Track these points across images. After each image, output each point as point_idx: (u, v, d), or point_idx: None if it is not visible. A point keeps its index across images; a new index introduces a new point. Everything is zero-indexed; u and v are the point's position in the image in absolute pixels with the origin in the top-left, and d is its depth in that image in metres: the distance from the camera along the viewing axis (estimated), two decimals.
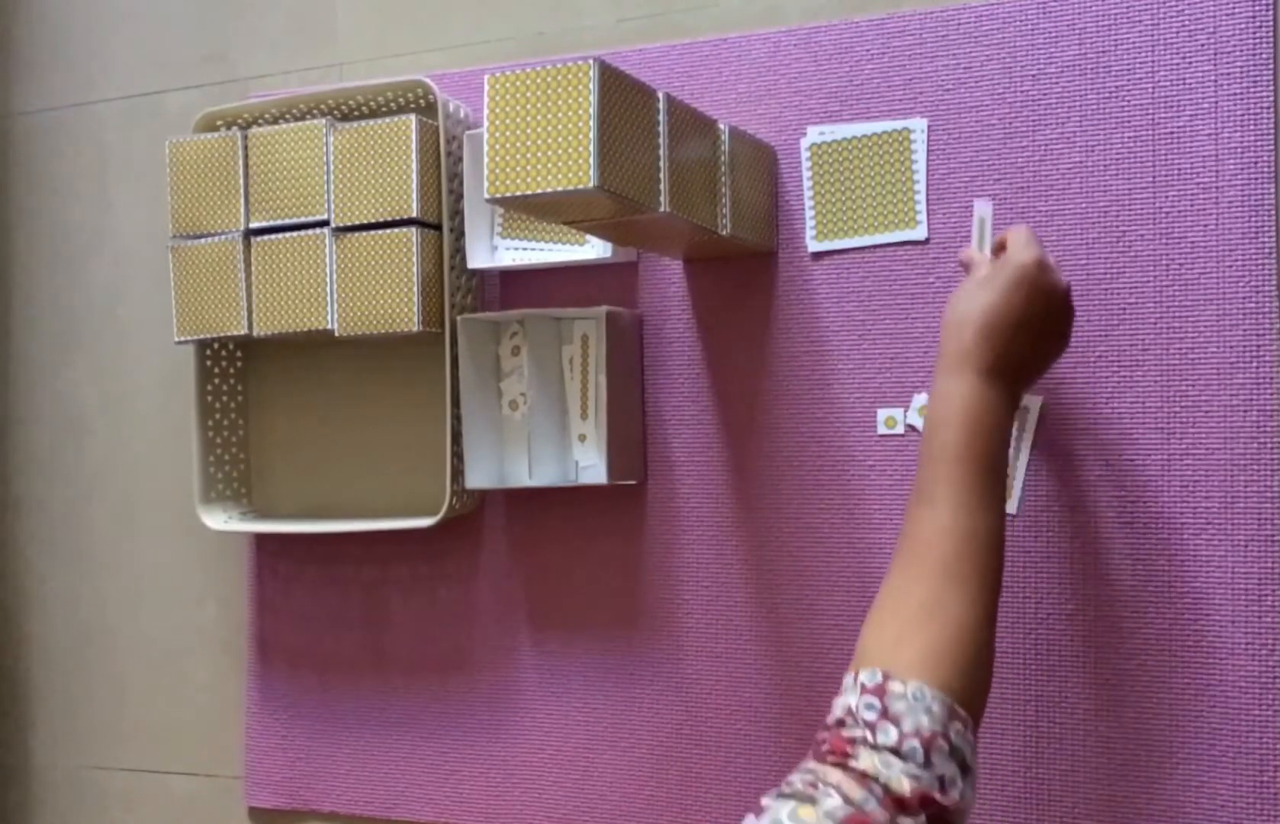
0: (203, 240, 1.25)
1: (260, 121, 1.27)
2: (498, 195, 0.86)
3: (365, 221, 1.18)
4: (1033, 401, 1.04)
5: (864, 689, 0.76)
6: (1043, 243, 0.94)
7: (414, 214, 1.16)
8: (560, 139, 0.84)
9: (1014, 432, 1.03)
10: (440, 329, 1.18)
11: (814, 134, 1.11)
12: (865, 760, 0.73)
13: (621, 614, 1.18)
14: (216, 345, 1.31)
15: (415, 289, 1.15)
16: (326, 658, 1.30)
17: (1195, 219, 0.99)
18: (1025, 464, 1.04)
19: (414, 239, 1.16)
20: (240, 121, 1.28)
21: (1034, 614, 1.04)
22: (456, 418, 1.17)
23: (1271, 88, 0.97)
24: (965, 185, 1.06)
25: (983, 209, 1.03)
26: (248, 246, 1.24)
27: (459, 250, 1.19)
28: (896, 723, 0.74)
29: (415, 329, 1.16)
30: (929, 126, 1.07)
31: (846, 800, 0.70)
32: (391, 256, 1.16)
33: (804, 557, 1.11)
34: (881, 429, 1.08)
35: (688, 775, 1.16)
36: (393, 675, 1.28)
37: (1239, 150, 0.98)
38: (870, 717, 0.75)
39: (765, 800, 0.72)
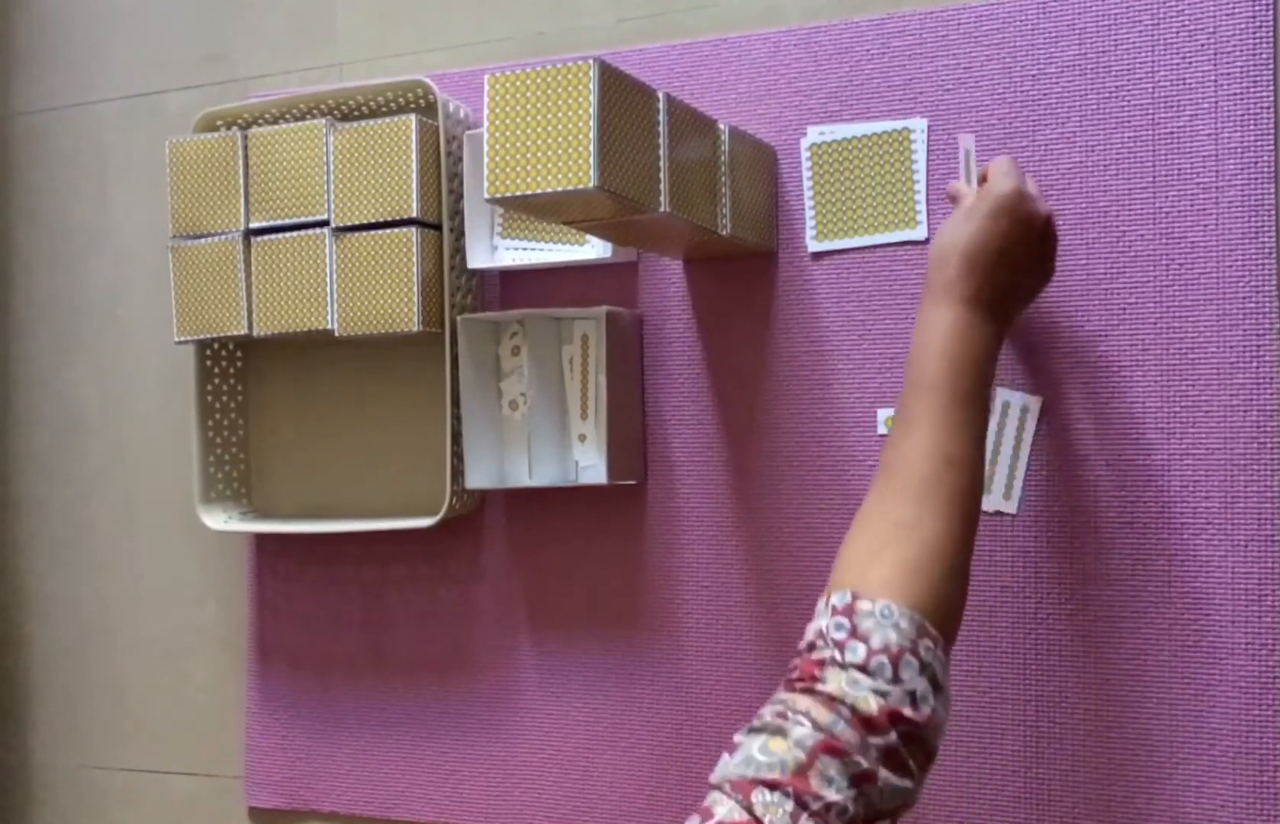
0: (203, 240, 1.25)
1: (260, 121, 1.27)
2: (498, 195, 0.86)
3: (365, 221, 1.18)
4: (1033, 402, 1.04)
5: (834, 611, 0.76)
6: (1023, 171, 0.94)
7: (414, 214, 1.16)
8: (560, 139, 0.84)
9: (1014, 429, 1.04)
10: (440, 329, 1.18)
11: (814, 134, 1.11)
12: (833, 682, 0.73)
13: (621, 614, 1.18)
14: (216, 345, 1.31)
15: (415, 289, 1.15)
16: (326, 658, 1.30)
17: (1195, 219, 0.99)
18: (1025, 464, 1.04)
19: (414, 239, 1.16)
20: (240, 121, 1.28)
21: (1034, 614, 1.04)
22: (456, 418, 1.17)
23: (1271, 88, 0.97)
24: None
25: (967, 142, 1.02)
26: (248, 246, 1.24)
27: (459, 250, 1.19)
28: (865, 640, 0.74)
29: (415, 329, 1.16)
30: (929, 126, 1.07)
31: (815, 726, 0.70)
32: (391, 256, 1.16)
33: (804, 557, 1.11)
34: (881, 429, 1.08)
35: (688, 775, 1.16)
36: (393, 675, 1.28)
37: (1239, 150, 0.98)
38: (839, 636, 0.75)
39: (737, 737, 0.72)
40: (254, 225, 1.24)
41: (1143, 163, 1.01)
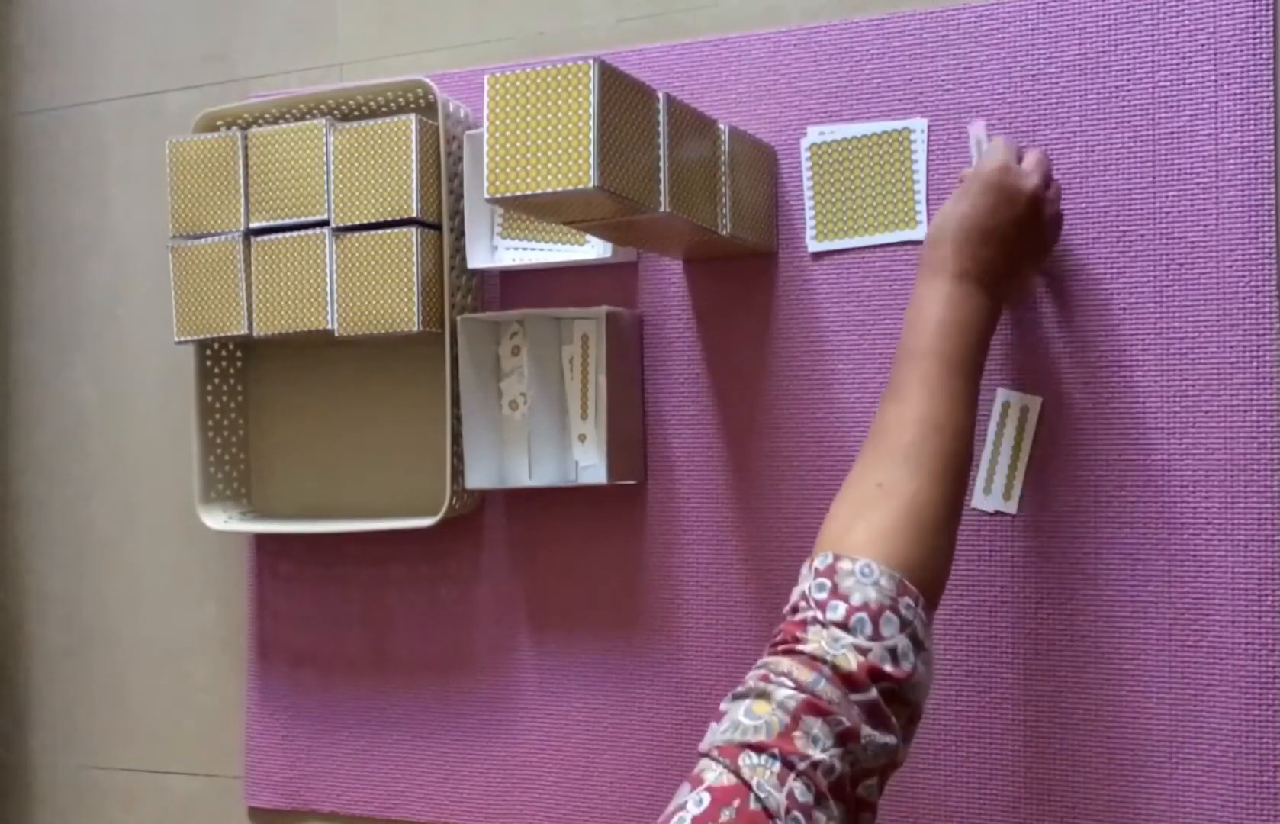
0: (203, 240, 1.25)
1: (260, 121, 1.27)
2: (498, 195, 0.86)
3: (365, 221, 1.18)
4: (1032, 402, 1.04)
5: (816, 572, 0.77)
6: (1022, 147, 0.96)
7: (414, 214, 1.16)
8: (560, 139, 0.84)
9: (1014, 429, 1.04)
10: (440, 329, 1.18)
11: (814, 134, 1.11)
12: (814, 641, 0.73)
13: (621, 614, 1.18)
14: (216, 345, 1.31)
15: (415, 289, 1.15)
16: (326, 658, 1.30)
17: (1195, 219, 0.99)
18: (1025, 464, 1.04)
19: (414, 239, 1.16)
20: (240, 121, 1.28)
21: (1034, 614, 1.04)
22: (456, 418, 1.17)
23: (1271, 88, 0.97)
24: None
25: (977, 130, 1.02)
26: (248, 246, 1.24)
27: (459, 250, 1.19)
28: (845, 599, 0.74)
29: (415, 329, 1.16)
30: (929, 126, 1.07)
31: (798, 686, 0.71)
32: (391, 256, 1.16)
33: (804, 557, 1.11)
34: None
35: (687, 775, 1.15)
36: (393, 675, 1.28)
37: (1239, 150, 0.98)
38: (821, 596, 0.75)
39: (723, 705, 0.73)
40: (254, 225, 1.24)
41: (1143, 163, 1.01)
